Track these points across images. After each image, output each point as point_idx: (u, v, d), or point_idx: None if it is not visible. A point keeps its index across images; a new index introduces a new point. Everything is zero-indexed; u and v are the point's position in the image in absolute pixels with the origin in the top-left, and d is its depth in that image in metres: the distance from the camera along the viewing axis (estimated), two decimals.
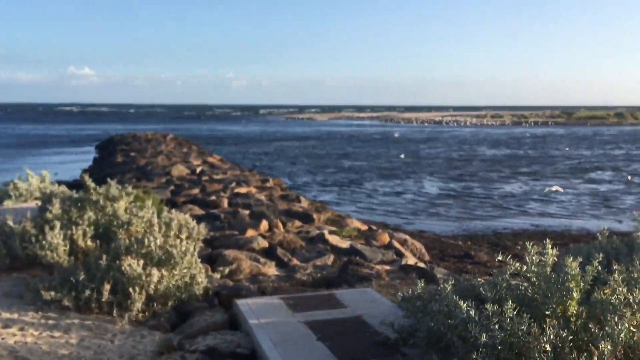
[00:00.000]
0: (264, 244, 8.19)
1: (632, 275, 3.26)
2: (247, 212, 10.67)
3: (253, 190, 14.31)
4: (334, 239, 8.67)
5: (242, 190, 14.11)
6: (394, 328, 4.08)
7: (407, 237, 9.89)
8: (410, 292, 4.33)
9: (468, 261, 9.77)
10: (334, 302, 5.14)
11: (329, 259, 7.66)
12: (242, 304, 5.12)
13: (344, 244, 8.55)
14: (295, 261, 7.58)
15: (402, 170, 27.35)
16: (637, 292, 2.97)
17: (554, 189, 20.52)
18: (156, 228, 5.73)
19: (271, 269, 7.17)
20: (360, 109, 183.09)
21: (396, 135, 56.18)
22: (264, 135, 57.66)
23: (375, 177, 24.65)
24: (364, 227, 10.50)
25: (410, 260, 8.10)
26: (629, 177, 23.54)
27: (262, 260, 7.41)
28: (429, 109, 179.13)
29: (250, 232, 8.86)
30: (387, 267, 7.21)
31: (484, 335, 3.01)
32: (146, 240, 5.38)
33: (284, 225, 9.70)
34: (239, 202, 12.00)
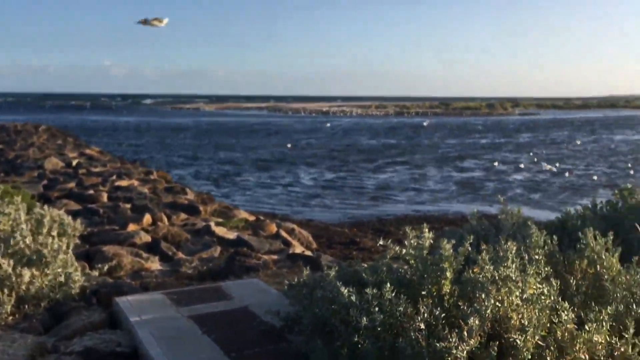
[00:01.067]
0: (147, 238, 7.90)
1: (499, 254, 3.49)
2: (128, 205, 10.23)
3: (135, 183, 13.76)
4: (220, 231, 8.56)
5: (124, 183, 13.52)
6: (279, 316, 4.10)
7: (295, 226, 9.98)
8: (296, 280, 4.37)
9: (354, 247, 10.05)
10: (220, 294, 5.06)
11: (216, 251, 7.54)
12: (123, 301, 4.90)
13: (231, 235, 8.46)
14: (180, 255, 7.39)
15: (285, 161, 27.50)
16: (502, 270, 3.17)
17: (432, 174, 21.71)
18: (24, 226, 5.32)
19: (154, 264, 6.93)
20: (250, 99, 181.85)
21: (284, 124, 56.47)
22: (141, 125, 55.46)
23: (255, 169, 24.50)
24: (252, 218, 10.46)
25: (298, 249, 8.19)
26: (548, 167, 24.92)
27: (145, 255, 7.15)
28: (318, 99, 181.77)
29: (132, 227, 8.51)
30: (275, 257, 7.24)
31: (365, 318, 3.09)
32: (12, 240, 4.98)
33: (169, 218, 9.41)
34: (119, 196, 11.48)
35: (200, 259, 7.18)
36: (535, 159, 27.64)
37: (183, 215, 9.79)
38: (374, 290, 3.24)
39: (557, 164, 25.44)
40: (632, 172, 23.91)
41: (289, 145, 34.28)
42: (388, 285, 3.22)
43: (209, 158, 28.61)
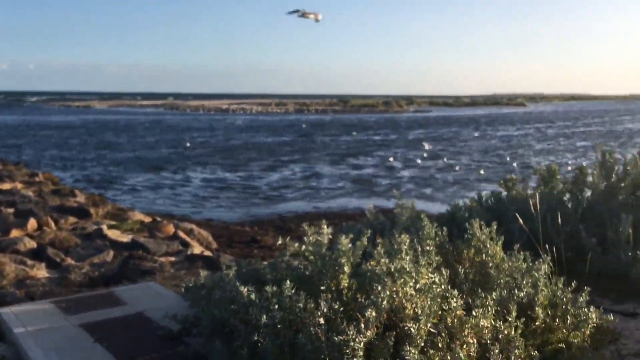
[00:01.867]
0: (32, 244, 7.41)
1: (394, 247, 3.60)
2: (11, 210, 9.54)
3: (19, 186, 12.85)
4: (113, 234, 8.19)
5: (6, 186, 12.58)
6: (177, 319, 3.99)
7: (194, 226, 9.76)
8: (194, 282, 4.27)
9: (255, 246, 9.99)
10: (113, 300, 4.84)
11: (108, 255, 7.21)
12: (5, 312, 4.56)
13: (125, 238, 8.12)
14: (69, 261, 6.98)
15: (178, 160, 26.76)
16: (397, 262, 3.27)
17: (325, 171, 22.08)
18: None
19: (41, 272, 6.51)
20: (147, 96, 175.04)
21: (179, 123, 55.03)
22: (22, 124, 51.89)
23: (144, 170, 23.60)
24: (148, 219, 10.10)
25: (197, 249, 8.01)
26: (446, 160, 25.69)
27: (30, 262, 6.69)
28: (219, 97, 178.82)
29: (15, 233, 7.94)
30: (172, 259, 7.04)
31: (264, 316, 3.08)
32: None
33: (56, 222, 8.88)
34: (1, 200, 10.67)
35: (91, 264, 6.82)
36: (425, 155, 28.84)
37: (72, 219, 9.27)
38: (274, 288, 3.23)
39: (445, 159, 26.79)
40: (515, 164, 25.64)
41: (187, 145, 33.47)
42: (288, 282, 3.22)
43: (92, 159, 27.18)
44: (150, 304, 4.70)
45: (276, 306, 3.13)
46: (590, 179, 5.26)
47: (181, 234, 8.72)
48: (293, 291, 3.19)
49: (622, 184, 5.02)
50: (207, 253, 7.87)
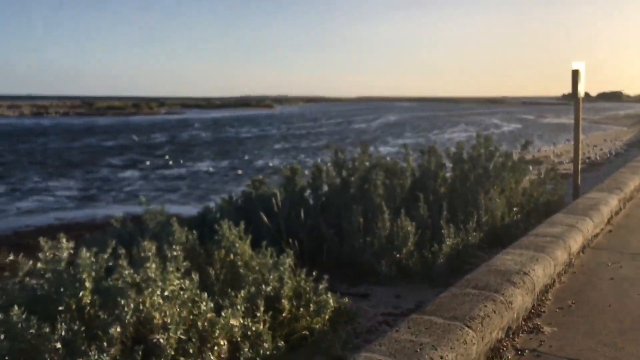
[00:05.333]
0: None
1: (140, 255, 3.46)
2: None
3: None
4: None
5: None
6: None
7: None
8: None
9: None
10: None
11: None
12: None
13: None
14: None
15: None
16: (142, 272, 3.16)
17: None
18: None
19: None
20: None
21: None
22: None
23: None
24: None
25: None
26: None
27: None
28: None
29: None
30: None
31: None
32: None
33: None
34: None
35: None
36: (170, 159, 28.21)
37: None
38: (0, 315, 2.86)
39: (193, 162, 26.87)
40: (260, 162, 26.85)
41: None
42: (15, 307, 2.87)
43: None
44: None
45: (2, 336, 2.76)
46: (325, 174, 5.75)
47: None
48: (24, 316, 2.86)
49: (352, 178, 5.60)
50: None
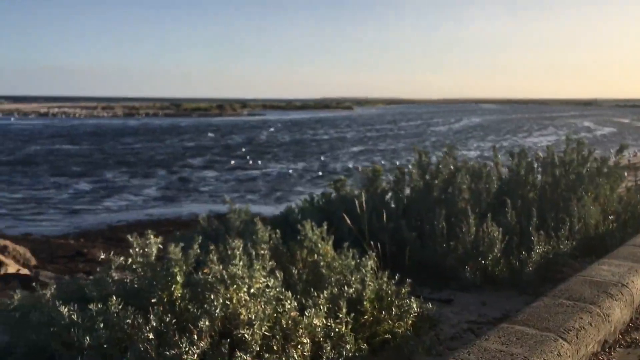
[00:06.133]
0: None
1: (227, 252, 3.56)
2: None
3: None
4: None
5: None
6: None
7: (8, 242, 8.82)
8: (6, 304, 3.83)
9: (80, 260, 9.31)
10: None
11: None
12: None
13: None
14: None
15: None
16: (230, 268, 3.24)
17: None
18: None
19: None
20: None
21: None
22: None
23: None
24: None
25: (12, 268, 7.24)
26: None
27: None
28: (37, 99, 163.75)
29: None
30: None
31: (88, 337, 2.86)
32: None
33: None
34: None
35: None
36: (248, 160, 28.86)
37: None
38: (99, 306, 3.02)
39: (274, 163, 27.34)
40: (337, 164, 26.94)
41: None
42: (114, 298, 3.03)
43: None
44: None
45: (101, 325, 2.92)
46: (408, 177, 5.68)
47: None
48: (120, 307, 3.01)
49: (436, 181, 5.49)
50: (24, 271, 7.16)
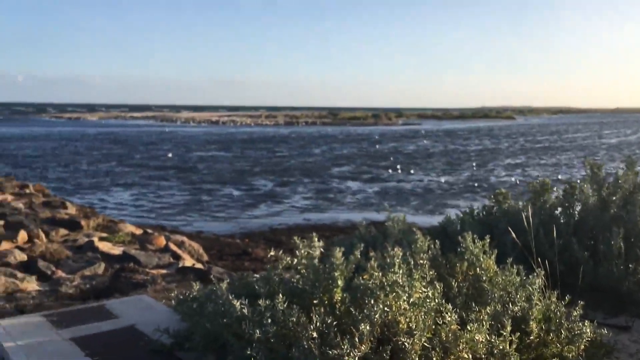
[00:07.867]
0: (22, 257, 7.33)
1: (386, 260, 3.60)
2: (1, 222, 9.44)
3: (9, 197, 12.73)
4: (105, 246, 8.13)
5: None
6: (169, 333, 3.95)
7: (185, 238, 9.71)
8: (185, 295, 4.23)
9: (246, 258, 9.96)
10: (104, 313, 4.79)
11: (100, 267, 7.15)
12: None
13: (117, 250, 8.06)
14: (60, 273, 6.92)
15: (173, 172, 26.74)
16: (390, 276, 3.27)
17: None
18: None
19: (31, 284, 6.44)
20: (136, 108, 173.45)
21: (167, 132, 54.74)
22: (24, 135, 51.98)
23: (145, 179, 23.68)
24: (139, 232, 10.04)
25: (188, 262, 7.97)
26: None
27: (20, 275, 6.62)
28: (210, 108, 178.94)
29: (5, 245, 7.86)
30: (164, 271, 6.98)
31: (257, 330, 3.05)
32: None
33: (47, 234, 8.80)
34: None
35: (82, 277, 6.76)
36: (399, 169, 28.62)
37: (63, 231, 9.20)
38: (267, 302, 3.21)
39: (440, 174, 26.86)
40: (490, 175, 25.77)
41: (170, 155, 33.30)
42: (280, 295, 3.20)
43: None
44: (141, 317, 4.65)
45: (269, 320, 3.10)
46: (580, 192, 5.29)
47: (172, 247, 8.67)
48: (286, 305, 3.17)
49: (613, 198, 5.05)
50: (199, 265, 7.83)
